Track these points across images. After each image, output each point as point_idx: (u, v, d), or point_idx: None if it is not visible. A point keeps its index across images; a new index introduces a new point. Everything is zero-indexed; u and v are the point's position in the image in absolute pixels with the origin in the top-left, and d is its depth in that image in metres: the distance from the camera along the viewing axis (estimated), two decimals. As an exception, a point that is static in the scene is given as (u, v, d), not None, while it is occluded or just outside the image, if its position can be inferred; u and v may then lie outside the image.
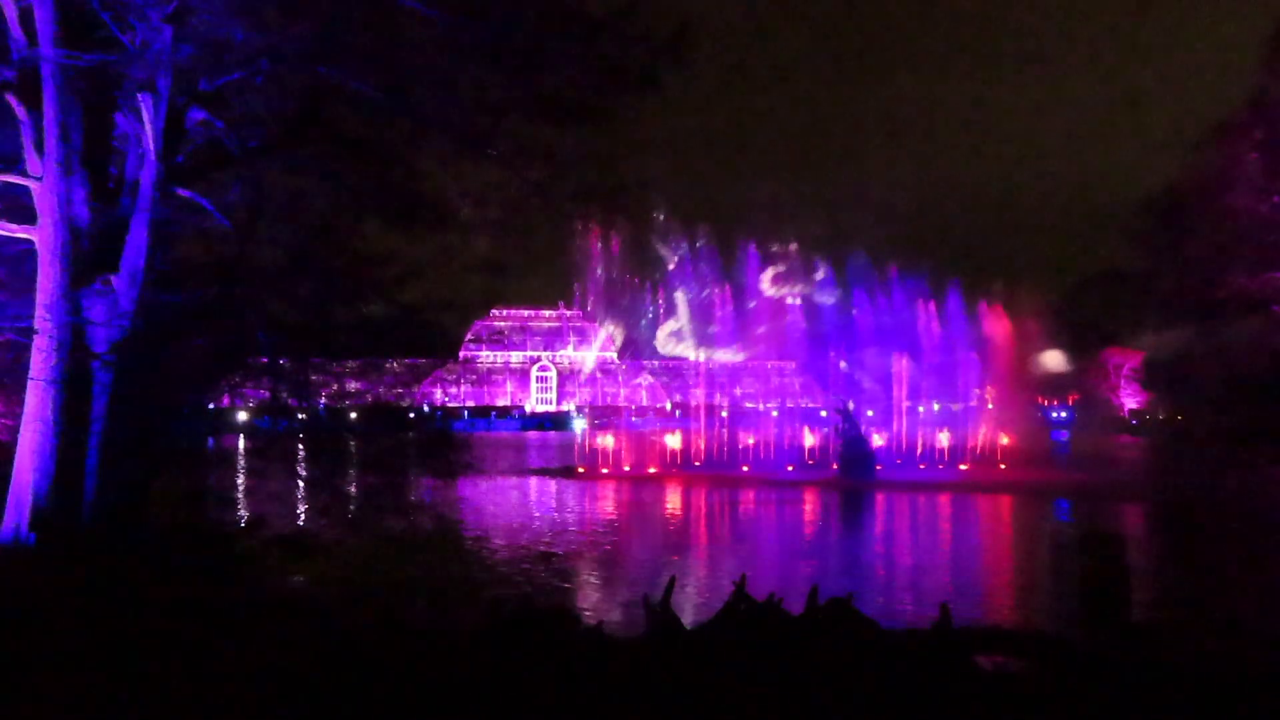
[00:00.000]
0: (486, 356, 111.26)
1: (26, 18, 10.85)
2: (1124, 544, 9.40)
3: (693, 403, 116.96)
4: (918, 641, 8.44)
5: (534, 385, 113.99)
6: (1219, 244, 30.45)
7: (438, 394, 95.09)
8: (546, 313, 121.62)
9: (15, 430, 11.14)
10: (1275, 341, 28.27)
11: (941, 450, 46.47)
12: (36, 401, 10.77)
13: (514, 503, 31.75)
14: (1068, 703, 6.58)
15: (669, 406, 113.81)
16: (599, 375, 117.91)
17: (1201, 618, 13.80)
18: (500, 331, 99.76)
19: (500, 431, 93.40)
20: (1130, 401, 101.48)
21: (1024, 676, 7.26)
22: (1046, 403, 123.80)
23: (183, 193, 12.18)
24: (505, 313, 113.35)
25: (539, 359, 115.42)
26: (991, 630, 9.15)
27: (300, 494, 15.89)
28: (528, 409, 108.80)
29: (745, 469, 43.64)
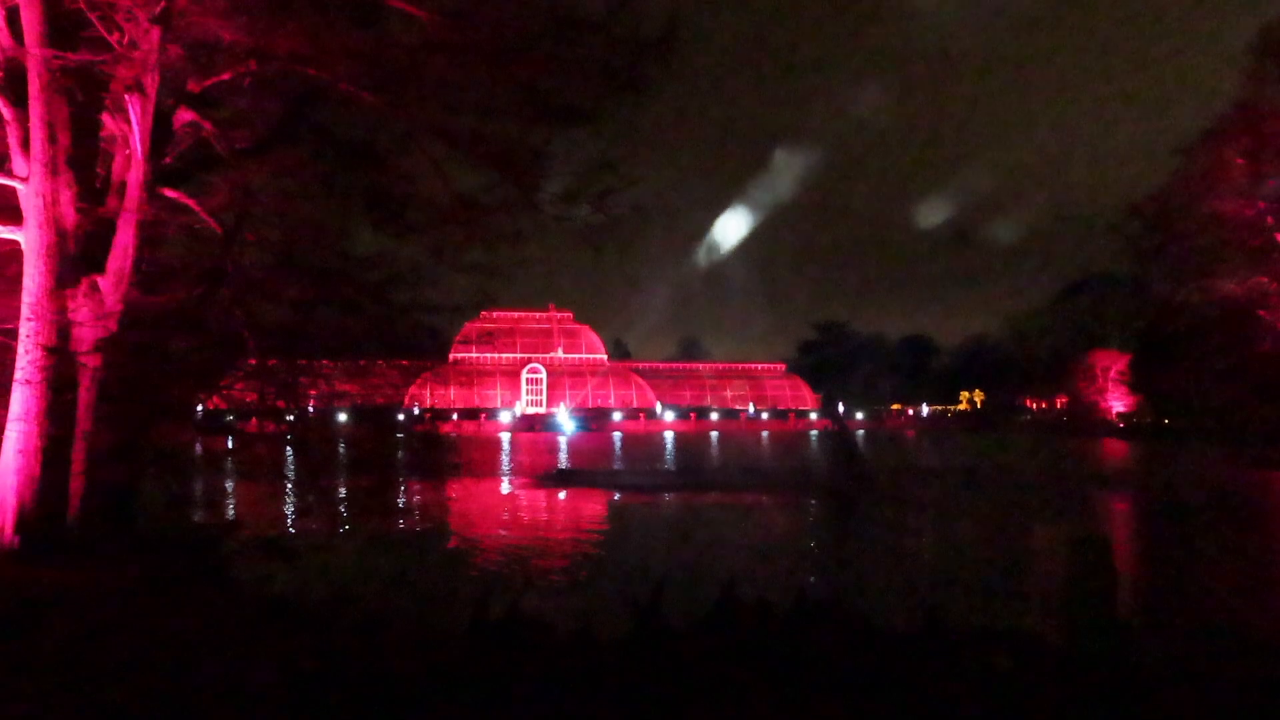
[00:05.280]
0: (476, 358, 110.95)
1: (13, 17, 10.82)
2: (1111, 545, 9.44)
3: (683, 406, 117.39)
4: (906, 641, 8.47)
5: (524, 387, 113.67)
6: (1206, 248, 30.74)
7: (427, 395, 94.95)
8: (537, 315, 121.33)
9: (-1, 432, 11.08)
10: (1262, 345, 28.50)
11: (931, 453, 46.67)
12: (21, 403, 10.72)
13: (500, 506, 31.69)
14: (1054, 703, 6.61)
15: (659, 409, 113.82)
16: (589, 377, 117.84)
17: (1188, 619, 13.89)
18: (490, 333, 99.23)
19: (490, 433, 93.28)
20: (1118, 405, 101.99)
21: (1011, 677, 7.29)
22: (1034, 406, 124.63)
23: (170, 194, 12.14)
24: (495, 315, 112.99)
25: (529, 361, 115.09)
26: (979, 630, 9.18)
27: (288, 496, 15.85)
28: (518, 411, 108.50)
29: (735, 471, 43.65)
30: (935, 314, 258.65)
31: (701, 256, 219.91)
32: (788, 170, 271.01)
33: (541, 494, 34.48)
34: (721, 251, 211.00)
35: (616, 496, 33.30)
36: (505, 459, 54.91)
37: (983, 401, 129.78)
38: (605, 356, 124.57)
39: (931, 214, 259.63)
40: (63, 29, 10.82)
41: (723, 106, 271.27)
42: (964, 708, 6.47)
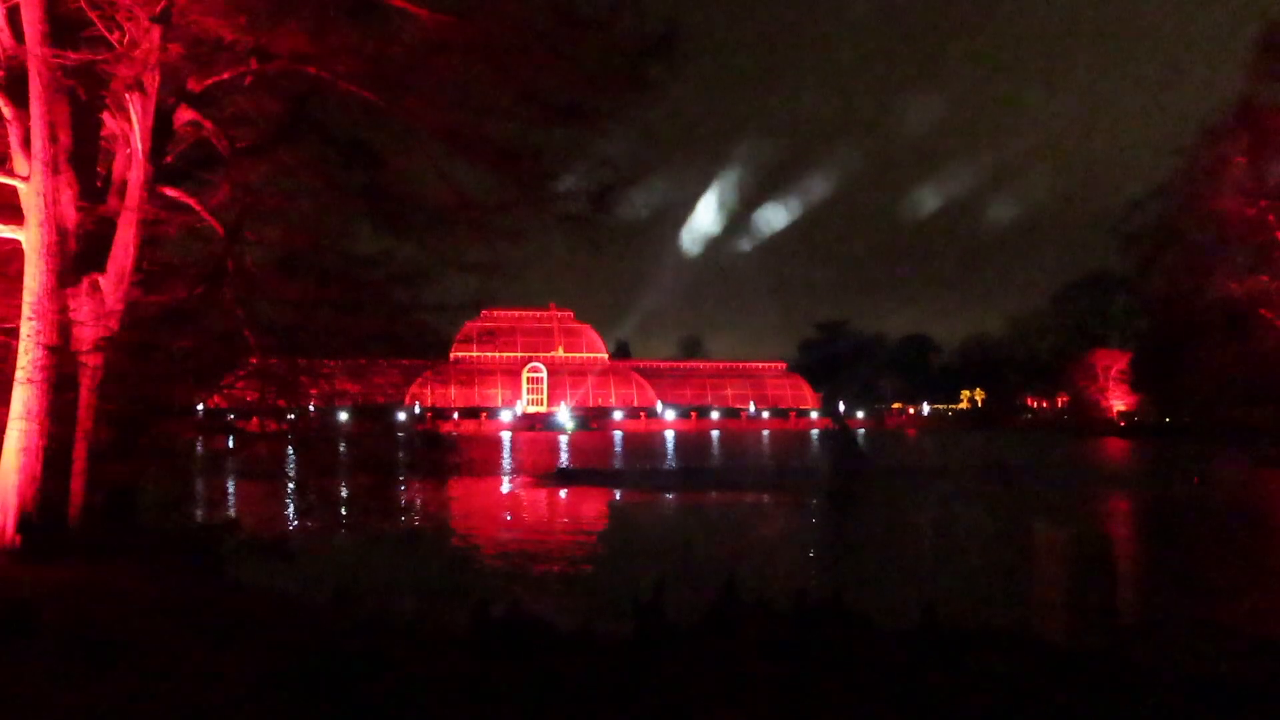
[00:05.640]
0: (477, 357, 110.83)
1: (14, 16, 10.81)
2: (1111, 544, 9.45)
3: (684, 405, 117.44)
4: (906, 641, 8.48)
5: (524, 386, 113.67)
6: (1206, 247, 30.67)
7: (427, 394, 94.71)
8: (537, 314, 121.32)
9: (0, 431, 11.07)
10: (1263, 344, 28.43)
11: (932, 451, 46.64)
12: (22, 402, 10.71)
13: (501, 505, 31.70)
14: (1053, 703, 6.61)
15: (660, 408, 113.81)
16: (589, 376, 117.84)
17: (1188, 619, 13.89)
18: (491, 332, 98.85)
19: (490, 432, 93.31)
20: (1119, 403, 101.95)
21: (1010, 676, 7.29)
22: (1035, 405, 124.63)
23: (171, 193, 12.14)
24: (496, 314, 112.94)
25: (530, 360, 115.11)
26: (978, 630, 9.18)
27: (289, 495, 15.85)
28: (518, 410, 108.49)
29: (735, 470, 43.67)
30: (935, 313, 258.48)
31: (686, 242, 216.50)
32: (790, 168, 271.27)
33: (542, 493, 34.48)
34: (721, 248, 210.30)
35: (617, 495, 33.31)
36: (506, 458, 54.92)
37: (984, 400, 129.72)
38: (606, 355, 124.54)
39: (933, 209, 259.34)
40: (63, 28, 10.81)
41: (721, 104, 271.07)
42: (963, 707, 6.47)
